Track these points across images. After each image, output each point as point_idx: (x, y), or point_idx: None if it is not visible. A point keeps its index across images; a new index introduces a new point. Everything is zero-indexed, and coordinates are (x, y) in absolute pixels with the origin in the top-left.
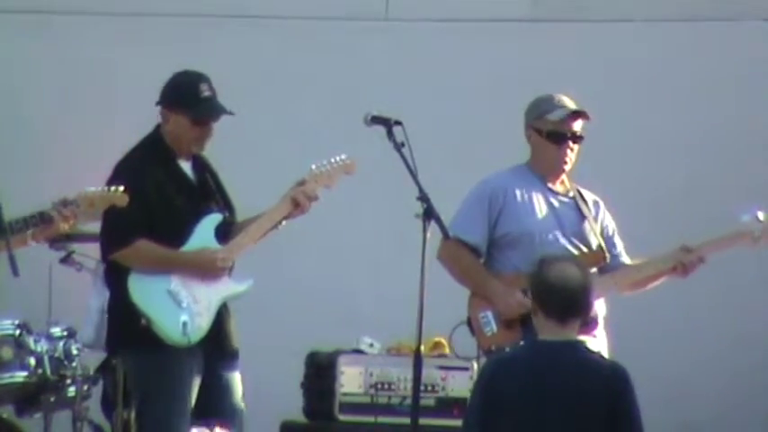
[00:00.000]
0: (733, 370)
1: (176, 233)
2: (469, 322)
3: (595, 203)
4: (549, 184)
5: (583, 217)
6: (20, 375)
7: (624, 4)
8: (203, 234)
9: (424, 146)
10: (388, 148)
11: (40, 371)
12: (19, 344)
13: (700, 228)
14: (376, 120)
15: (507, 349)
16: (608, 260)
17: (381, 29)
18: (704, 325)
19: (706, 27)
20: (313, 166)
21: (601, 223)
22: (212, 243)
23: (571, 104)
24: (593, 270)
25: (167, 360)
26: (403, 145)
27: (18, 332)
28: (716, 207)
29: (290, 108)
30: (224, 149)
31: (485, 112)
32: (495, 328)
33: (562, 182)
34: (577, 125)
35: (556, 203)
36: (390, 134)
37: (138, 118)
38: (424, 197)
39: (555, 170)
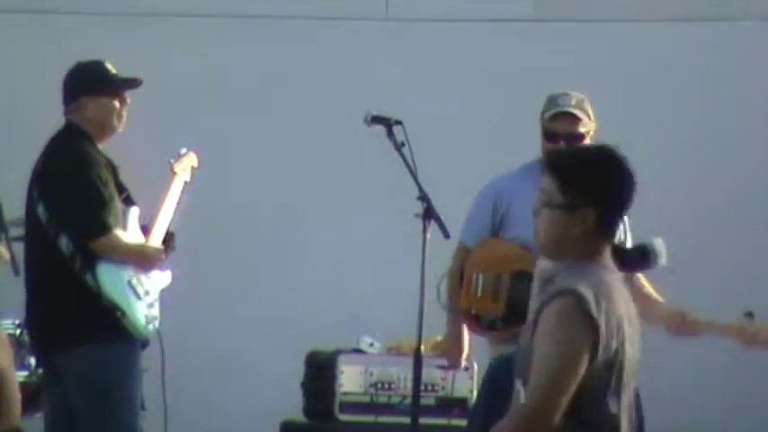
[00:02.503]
0: (737, 369)
1: (119, 224)
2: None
3: None
4: None
5: None
6: (20, 375)
7: (624, 4)
8: (133, 226)
9: (424, 146)
10: (388, 147)
11: (40, 371)
12: (19, 344)
13: (699, 228)
14: (376, 120)
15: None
16: None
17: (381, 29)
18: None
19: (706, 27)
20: (172, 160)
21: None
22: (141, 236)
23: (569, 103)
24: None
25: (134, 352)
26: (403, 145)
27: (18, 332)
28: (715, 207)
29: (289, 108)
30: (223, 149)
31: (485, 112)
32: (478, 292)
33: None
34: (575, 125)
35: None
36: (390, 134)
37: (138, 117)
38: (424, 197)
39: None
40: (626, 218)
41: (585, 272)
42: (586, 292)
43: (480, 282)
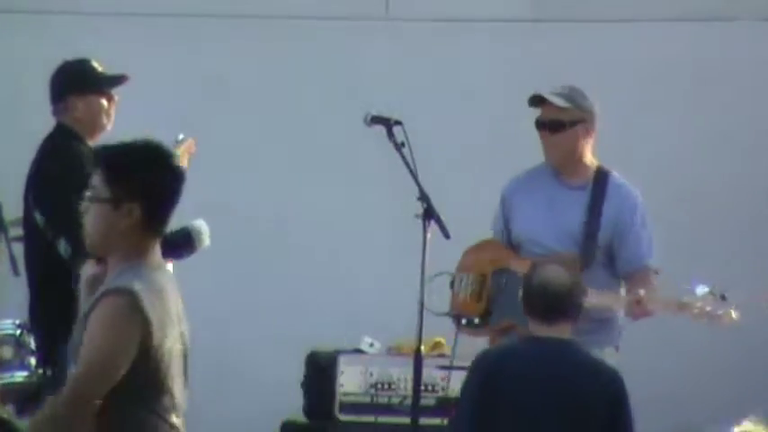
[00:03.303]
0: (733, 369)
1: None
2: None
3: (618, 192)
4: (563, 178)
5: (588, 215)
6: (20, 375)
7: (624, 4)
8: None
9: (424, 146)
10: (388, 148)
11: (40, 371)
12: (19, 344)
13: (698, 228)
14: (376, 120)
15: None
16: (582, 267)
17: (381, 29)
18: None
19: (706, 27)
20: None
21: (615, 219)
22: None
23: (552, 91)
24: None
25: None
26: (403, 145)
27: (18, 332)
28: (716, 208)
29: (289, 108)
30: (223, 150)
31: (485, 112)
32: (465, 293)
33: (578, 172)
34: (557, 113)
35: (561, 201)
36: (390, 134)
37: (137, 117)
38: (424, 197)
39: (549, 162)
40: (634, 218)
41: (138, 272)
42: (138, 289)
43: (466, 283)
